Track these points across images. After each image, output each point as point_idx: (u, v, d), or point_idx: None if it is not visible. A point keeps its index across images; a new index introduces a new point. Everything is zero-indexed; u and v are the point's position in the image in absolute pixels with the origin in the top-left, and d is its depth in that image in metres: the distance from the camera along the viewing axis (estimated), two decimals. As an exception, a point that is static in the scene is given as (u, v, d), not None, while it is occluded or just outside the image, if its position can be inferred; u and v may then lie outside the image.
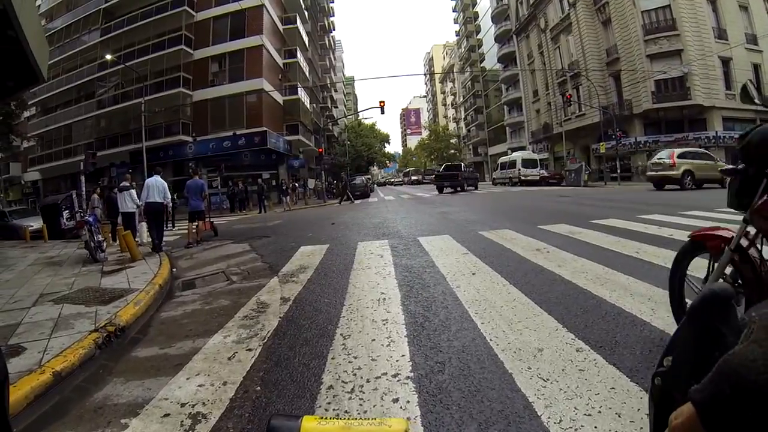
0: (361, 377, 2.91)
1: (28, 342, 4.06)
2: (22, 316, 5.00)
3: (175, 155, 32.22)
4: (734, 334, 0.46)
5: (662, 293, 4.06)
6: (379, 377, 2.89)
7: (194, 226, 11.50)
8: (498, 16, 60.54)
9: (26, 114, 37.69)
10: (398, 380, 2.82)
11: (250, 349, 3.62)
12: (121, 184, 11.87)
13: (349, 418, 0.55)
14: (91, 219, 9.43)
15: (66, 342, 4.00)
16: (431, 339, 3.46)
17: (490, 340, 3.32)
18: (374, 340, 3.54)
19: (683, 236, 6.83)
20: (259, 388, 2.94)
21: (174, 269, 7.87)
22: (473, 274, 5.43)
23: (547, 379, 2.65)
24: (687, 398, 0.46)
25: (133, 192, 11.65)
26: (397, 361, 3.11)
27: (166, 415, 2.69)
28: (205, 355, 3.60)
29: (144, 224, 11.28)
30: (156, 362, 3.64)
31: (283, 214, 21.24)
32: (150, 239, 10.57)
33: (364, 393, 2.70)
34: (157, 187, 10.48)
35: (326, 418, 0.56)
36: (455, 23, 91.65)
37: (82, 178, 17.94)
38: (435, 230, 9.67)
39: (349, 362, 3.16)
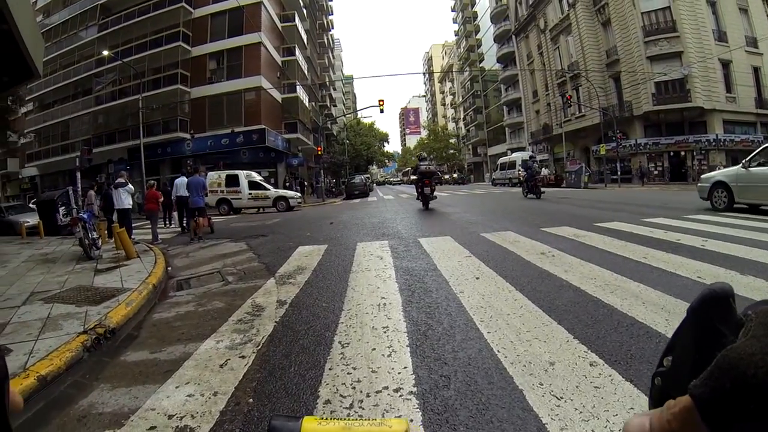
0: (361, 391, 2.74)
1: (15, 343, 3.92)
2: (11, 315, 4.86)
3: (173, 152, 32.10)
4: (734, 333, 0.43)
5: (675, 302, 3.91)
6: (380, 391, 2.71)
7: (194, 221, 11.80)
8: (497, 17, 60.42)
9: (23, 110, 37.66)
10: (400, 395, 2.65)
11: (243, 356, 3.45)
12: (117, 181, 11.83)
13: (349, 418, 0.53)
14: (85, 216, 9.25)
15: (53, 344, 3.85)
16: (435, 349, 3.29)
17: (498, 351, 3.14)
18: (374, 349, 3.37)
19: (691, 241, 6.77)
20: (251, 400, 2.78)
21: (169, 268, 7.71)
22: (477, 278, 5.26)
23: (561, 397, 2.46)
24: (687, 394, 0.42)
25: (130, 188, 11.70)
26: (399, 373, 2.93)
27: (152, 428, 2.55)
28: (196, 361, 3.44)
29: (176, 213, 14.30)
30: (145, 368, 3.49)
31: (282, 213, 21.06)
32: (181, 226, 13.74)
33: (363, 409, 2.53)
34: (184, 184, 12.85)
35: (326, 419, 0.54)
36: (454, 23, 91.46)
37: (78, 175, 17.76)
38: (435, 231, 9.52)
39: (348, 374, 2.98)
